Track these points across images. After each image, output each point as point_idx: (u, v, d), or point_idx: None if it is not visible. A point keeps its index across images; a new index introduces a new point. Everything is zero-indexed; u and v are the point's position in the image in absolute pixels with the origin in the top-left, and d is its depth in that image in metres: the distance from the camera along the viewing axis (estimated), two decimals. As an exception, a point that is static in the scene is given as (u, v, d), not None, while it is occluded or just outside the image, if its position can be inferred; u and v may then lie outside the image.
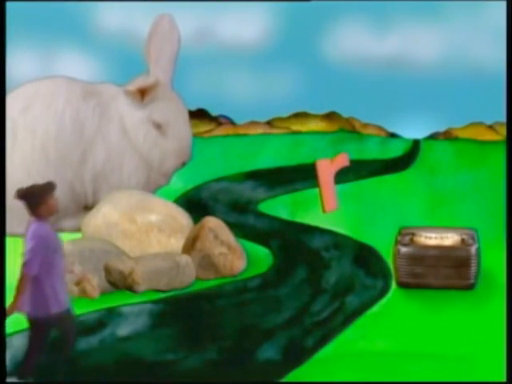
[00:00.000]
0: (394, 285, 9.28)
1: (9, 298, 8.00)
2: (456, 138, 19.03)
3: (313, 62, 18.47)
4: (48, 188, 6.02)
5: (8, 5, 10.99)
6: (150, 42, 11.34)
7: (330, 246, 11.18)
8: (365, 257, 10.64)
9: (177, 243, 9.93)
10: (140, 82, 11.23)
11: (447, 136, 19.31)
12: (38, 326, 5.86)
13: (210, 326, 7.95)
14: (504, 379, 6.47)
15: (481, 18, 18.03)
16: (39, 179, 11.03)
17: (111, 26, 18.07)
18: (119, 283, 8.98)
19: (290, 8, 18.12)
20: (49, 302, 5.86)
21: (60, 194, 11.13)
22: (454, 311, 8.40)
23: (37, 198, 6.01)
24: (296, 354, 7.18)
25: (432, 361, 6.97)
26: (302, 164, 14.70)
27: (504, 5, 11.47)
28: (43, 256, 5.82)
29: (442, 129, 19.40)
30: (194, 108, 17.58)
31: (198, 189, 14.51)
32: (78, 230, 10.56)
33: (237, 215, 12.96)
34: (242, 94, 18.75)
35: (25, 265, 5.83)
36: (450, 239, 9.22)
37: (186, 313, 8.39)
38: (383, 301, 8.84)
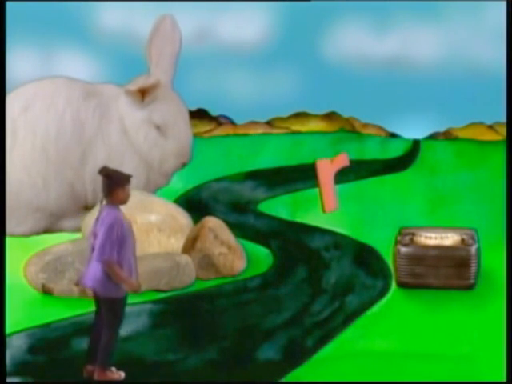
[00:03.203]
0: (394, 285, 9.28)
1: (9, 298, 8.04)
2: (456, 138, 19.02)
3: (313, 61, 18.46)
4: (128, 178, 6.34)
5: (8, 5, 11.01)
6: (152, 43, 11.34)
7: (330, 245, 11.18)
8: (365, 257, 10.64)
9: (177, 243, 9.93)
10: (141, 82, 11.22)
11: (447, 136, 19.30)
12: (117, 308, 6.25)
13: (210, 325, 7.95)
14: (504, 379, 6.47)
15: (481, 18, 18.03)
16: (39, 179, 11.14)
17: (112, 26, 18.06)
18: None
19: (290, 8, 18.11)
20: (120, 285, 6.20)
21: (60, 194, 11.28)
22: (454, 311, 8.40)
23: (118, 182, 6.28)
24: (296, 354, 7.18)
25: (432, 361, 6.97)
26: (302, 164, 14.69)
27: (504, 5, 11.48)
28: (119, 240, 6.08)
29: (441, 129, 19.38)
30: (194, 108, 17.57)
31: (198, 189, 14.50)
32: (78, 230, 10.56)
33: (237, 215, 12.96)
34: (242, 94, 18.74)
35: (103, 252, 6.05)
36: (450, 239, 9.22)
37: (186, 313, 8.40)
38: (383, 301, 8.84)
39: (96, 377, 6.27)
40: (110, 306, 6.24)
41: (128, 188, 6.30)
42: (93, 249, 6.20)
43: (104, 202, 6.33)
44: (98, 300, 6.33)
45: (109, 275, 6.11)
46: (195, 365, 6.90)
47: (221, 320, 8.12)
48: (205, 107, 19.63)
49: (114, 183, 6.31)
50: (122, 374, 6.40)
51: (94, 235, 6.21)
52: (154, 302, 8.68)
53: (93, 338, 6.40)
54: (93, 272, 6.18)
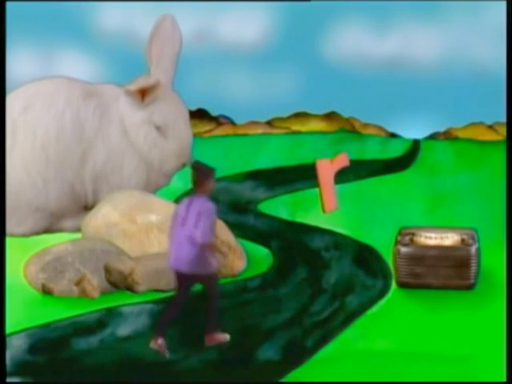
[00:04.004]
0: (394, 285, 9.28)
1: (9, 298, 8.04)
2: (456, 138, 19.02)
3: (313, 62, 18.47)
4: (213, 171, 7.13)
5: (8, 5, 11.01)
6: (152, 43, 11.34)
7: (330, 245, 11.18)
8: (365, 257, 10.65)
9: (177, 243, 9.92)
10: (141, 82, 11.22)
11: (447, 136, 19.31)
12: (215, 280, 7.11)
13: (210, 325, 7.94)
14: (504, 379, 6.47)
15: (481, 18, 18.03)
16: (39, 179, 11.14)
17: (112, 26, 18.06)
18: (119, 283, 8.99)
19: (290, 8, 18.11)
20: (213, 262, 7.03)
21: (60, 194, 11.29)
22: (454, 311, 8.40)
23: (206, 175, 7.05)
24: (296, 354, 7.18)
25: (432, 361, 6.98)
26: (302, 164, 14.70)
27: (504, 5, 11.48)
28: (211, 224, 6.89)
29: (442, 129, 19.39)
30: (194, 108, 17.58)
31: (198, 189, 14.48)
32: (78, 230, 10.56)
33: (237, 215, 12.96)
34: (242, 94, 18.75)
35: (206, 236, 6.85)
36: (450, 239, 9.22)
37: (186, 313, 8.39)
38: (383, 301, 8.84)
39: (207, 343, 7.17)
40: (208, 280, 7.07)
41: (213, 180, 7.07)
42: (173, 236, 7.01)
43: (191, 195, 7.08)
44: (186, 280, 7.02)
45: (203, 255, 6.88)
46: (195, 365, 6.91)
47: (221, 320, 8.12)
48: (205, 107, 19.65)
49: (204, 176, 7.04)
50: (228, 336, 7.23)
51: (183, 223, 6.91)
52: (154, 301, 8.68)
53: (167, 314, 7.15)
54: (186, 254, 6.93)
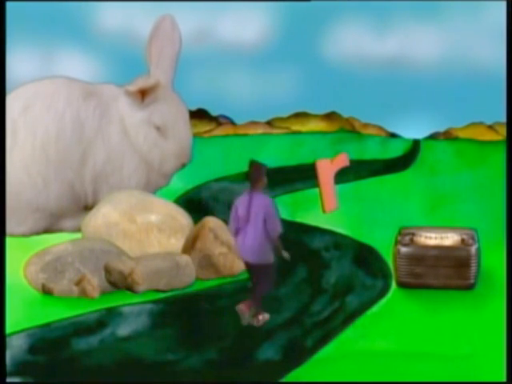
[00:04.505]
0: (394, 285, 9.27)
1: (9, 298, 8.04)
2: (456, 138, 19.02)
3: (313, 61, 18.46)
4: (267, 169, 7.84)
5: (8, 5, 11.01)
6: (152, 43, 11.34)
7: (330, 245, 11.17)
8: (365, 257, 10.64)
9: (177, 243, 9.93)
10: (141, 82, 11.22)
11: (447, 136, 19.31)
12: (273, 269, 7.75)
13: (209, 326, 7.95)
14: (504, 379, 6.47)
15: (481, 17, 18.03)
16: (39, 179, 11.14)
17: (111, 26, 18.06)
18: (119, 283, 8.99)
19: (290, 8, 18.11)
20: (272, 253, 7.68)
21: (60, 195, 11.29)
22: (454, 311, 8.40)
23: (262, 172, 7.76)
24: (296, 354, 7.18)
25: (432, 361, 6.98)
26: (302, 164, 14.70)
27: (504, 5, 11.49)
28: (279, 215, 7.61)
29: (442, 129, 19.38)
30: (194, 108, 17.57)
31: (198, 189, 14.50)
32: (78, 230, 10.56)
33: (237, 215, 12.92)
34: (242, 93, 18.74)
35: (276, 227, 7.59)
36: (450, 239, 9.21)
37: (186, 313, 8.40)
38: (383, 301, 8.83)
39: (257, 323, 7.77)
40: (266, 270, 7.68)
41: (265, 176, 7.78)
42: (237, 230, 7.69)
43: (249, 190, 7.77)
44: (252, 268, 7.76)
45: (266, 247, 7.58)
46: (195, 365, 6.90)
47: (221, 320, 8.12)
48: (205, 107, 19.64)
49: (259, 173, 7.74)
50: (267, 316, 7.85)
51: (246, 219, 7.59)
52: (154, 301, 8.68)
53: (259, 292, 7.79)
54: (251, 246, 7.61)
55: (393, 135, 19.54)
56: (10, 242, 10.26)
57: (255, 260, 7.67)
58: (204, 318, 8.19)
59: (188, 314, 8.36)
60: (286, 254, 7.70)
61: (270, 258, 7.71)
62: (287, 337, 7.61)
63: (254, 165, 7.81)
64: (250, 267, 7.85)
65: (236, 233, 7.76)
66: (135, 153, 11.38)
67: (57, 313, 8.23)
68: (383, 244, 10.40)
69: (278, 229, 7.64)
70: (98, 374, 6.69)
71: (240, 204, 7.73)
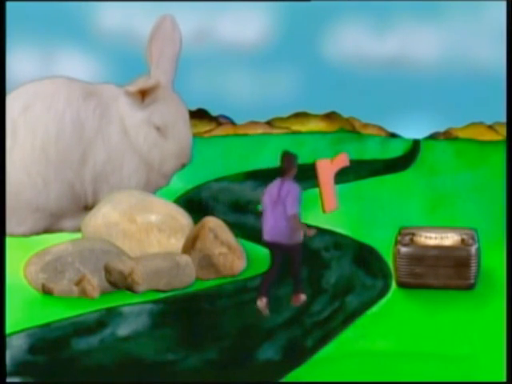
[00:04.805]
0: (394, 285, 9.27)
1: (9, 298, 8.04)
2: (456, 138, 19.03)
3: (313, 61, 18.47)
4: (297, 159, 8.50)
5: (8, 5, 11.01)
6: (152, 43, 11.33)
7: (330, 245, 11.16)
8: (365, 257, 10.64)
9: (177, 243, 9.94)
10: (141, 83, 11.22)
11: (447, 136, 19.31)
12: (300, 248, 8.36)
13: (210, 325, 7.95)
14: (504, 379, 6.47)
15: (481, 17, 18.04)
16: (39, 179, 11.14)
17: (111, 26, 18.07)
18: (119, 283, 8.99)
19: (290, 8, 18.12)
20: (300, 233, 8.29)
21: (60, 195, 11.29)
22: (454, 311, 8.40)
23: (294, 162, 8.43)
24: (296, 354, 7.18)
25: (432, 361, 6.98)
26: (302, 164, 14.67)
27: (504, 5, 11.49)
28: (298, 199, 8.20)
29: (442, 129, 19.40)
30: (194, 108, 17.58)
31: (198, 189, 14.50)
32: (78, 230, 10.56)
33: (237, 215, 12.95)
34: (242, 93, 18.75)
35: (295, 209, 8.13)
36: (450, 239, 9.21)
37: (186, 313, 8.40)
38: (383, 301, 8.83)
39: (295, 303, 8.44)
40: (296, 249, 8.30)
41: (296, 165, 8.45)
42: (266, 214, 8.28)
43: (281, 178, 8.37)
44: (280, 250, 8.27)
45: (292, 228, 8.14)
46: (195, 365, 6.90)
47: (221, 320, 8.12)
48: (205, 107, 19.66)
49: (291, 163, 8.38)
50: (304, 297, 8.51)
51: (277, 203, 8.18)
52: (154, 301, 8.68)
53: (269, 278, 8.35)
54: (283, 228, 8.18)
55: (393, 135, 19.55)
56: (10, 242, 10.26)
57: (287, 240, 8.20)
58: (204, 318, 8.19)
59: (188, 313, 8.36)
60: (311, 232, 8.24)
61: (299, 238, 8.28)
62: (287, 337, 7.61)
63: (286, 155, 8.43)
64: (277, 249, 8.31)
65: (264, 217, 8.32)
66: (135, 153, 11.38)
67: (57, 313, 8.23)
68: (383, 244, 10.40)
69: (293, 211, 8.12)
70: (98, 374, 6.70)
71: (271, 190, 8.31)
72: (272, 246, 8.35)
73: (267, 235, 8.28)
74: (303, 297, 8.52)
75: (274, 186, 8.31)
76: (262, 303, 8.19)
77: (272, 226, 8.24)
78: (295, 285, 8.50)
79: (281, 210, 8.17)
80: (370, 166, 15.87)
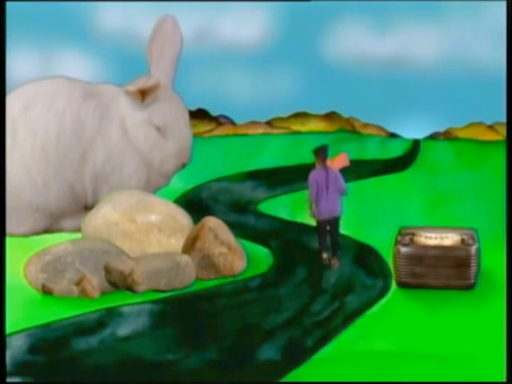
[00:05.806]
0: (394, 285, 9.28)
1: (9, 298, 8.04)
2: (456, 138, 19.04)
3: (313, 62, 18.48)
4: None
5: (8, 5, 11.01)
6: (152, 43, 11.33)
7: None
8: (365, 257, 10.64)
9: (177, 243, 9.94)
10: (141, 82, 11.22)
11: (447, 136, 19.32)
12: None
13: (210, 326, 7.95)
14: (504, 379, 6.47)
15: (481, 17, 18.04)
16: (39, 179, 11.14)
17: (112, 26, 18.08)
18: (119, 283, 8.99)
19: (290, 8, 18.13)
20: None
21: (60, 194, 11.29)
22: (454, 311, 8.40)
23: (327, 154, 9.88)
24: (296, 354, 7.18)
25: (432, 361, 6.97)
26: (302, 164, 14.69)
27: (504, 5, 11.49)
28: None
29: (442, 129, 19.42)
30: (194, 108, 17.59)
31: (198, 189, 14.51)
32: (78, 230, 10.56)
33: (237, 215, 12.96)
34: (242, 94, 18.76)
35: (345, 186, 10.02)
36: (450, 239, 9.21)
37: (186, 313, 8.40)
38: (383, 301, 8.84)
39: (336, 264, 9.99)
40: (339, 220, 10.09)
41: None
42: (317, 197, 9.90)
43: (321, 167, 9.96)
44: (330, 223, 10.01)
45: (341, 203, 9.97)
46: (195, 365, 6.90)
47: (221, 320, 8.12)
48: (205, 107, 19.67)
49: (326, 155, 9.87)
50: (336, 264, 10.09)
51: (327, 187, 9.85)
52: (154, 301, 8.68)
53: (324, 241, 10.15)
54: (337, 205, 9.94)
55: (393, 135, 19.56)
56: (10, 241, 10.26)
57: (338, 213, 10.01)
58: (204, 318, 8.19)
59: (188, 313, 8.36)
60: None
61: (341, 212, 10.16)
62: (287, 337, 7.61)
63: (321, 149, 9.90)
64: (328, 223, 10.00)
65: (317, 200, 9.86)
66: (135, 153, 11.38)
67: (57, 313, 8.23)
68: (383, 244, 10.41)
69: (346, 189, 10.06)
70: (97, 374, 6.69)
71: (318, 179, 9.86)
72: (325, 223, 10.00)
73: (325, 214, 9.92)
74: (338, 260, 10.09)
75: (319, 176, 9.87)
76: (324, 258, 10.04)
77: (327, 206, 9.89)
78: (335, 250, 10.03)
79: (331, 191, 9.84)
80: (370, 166, 15.88)
